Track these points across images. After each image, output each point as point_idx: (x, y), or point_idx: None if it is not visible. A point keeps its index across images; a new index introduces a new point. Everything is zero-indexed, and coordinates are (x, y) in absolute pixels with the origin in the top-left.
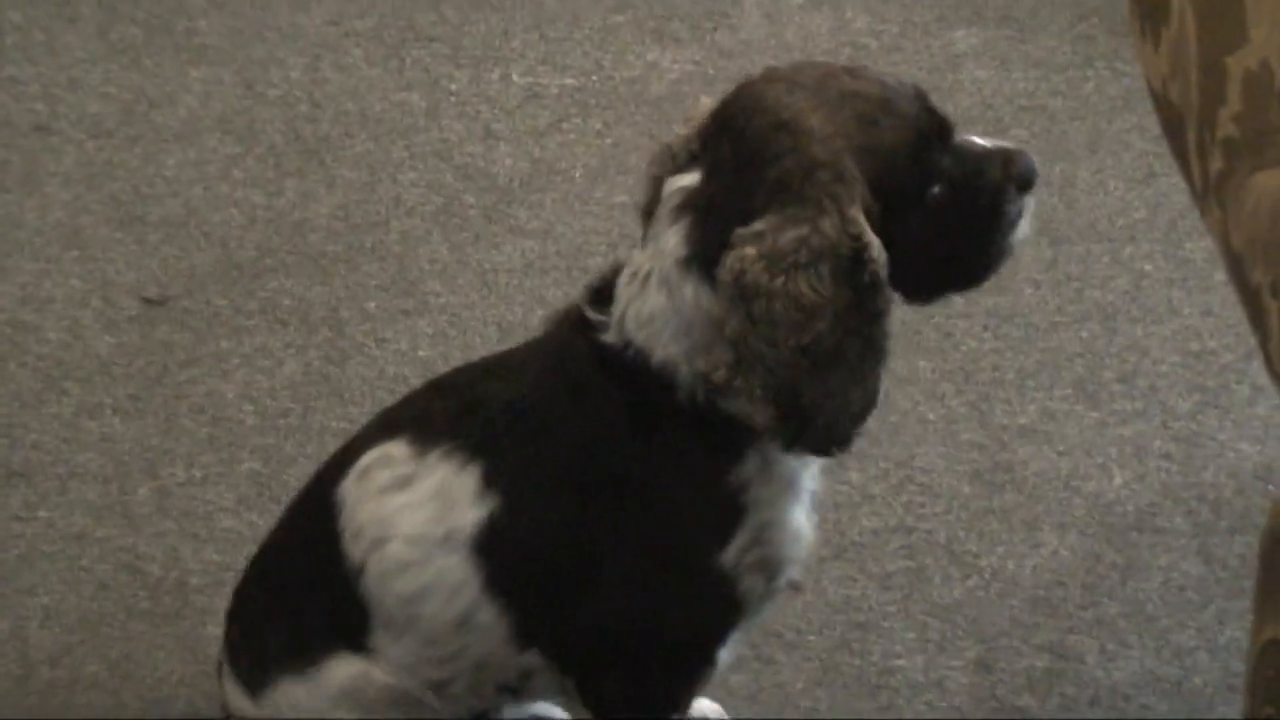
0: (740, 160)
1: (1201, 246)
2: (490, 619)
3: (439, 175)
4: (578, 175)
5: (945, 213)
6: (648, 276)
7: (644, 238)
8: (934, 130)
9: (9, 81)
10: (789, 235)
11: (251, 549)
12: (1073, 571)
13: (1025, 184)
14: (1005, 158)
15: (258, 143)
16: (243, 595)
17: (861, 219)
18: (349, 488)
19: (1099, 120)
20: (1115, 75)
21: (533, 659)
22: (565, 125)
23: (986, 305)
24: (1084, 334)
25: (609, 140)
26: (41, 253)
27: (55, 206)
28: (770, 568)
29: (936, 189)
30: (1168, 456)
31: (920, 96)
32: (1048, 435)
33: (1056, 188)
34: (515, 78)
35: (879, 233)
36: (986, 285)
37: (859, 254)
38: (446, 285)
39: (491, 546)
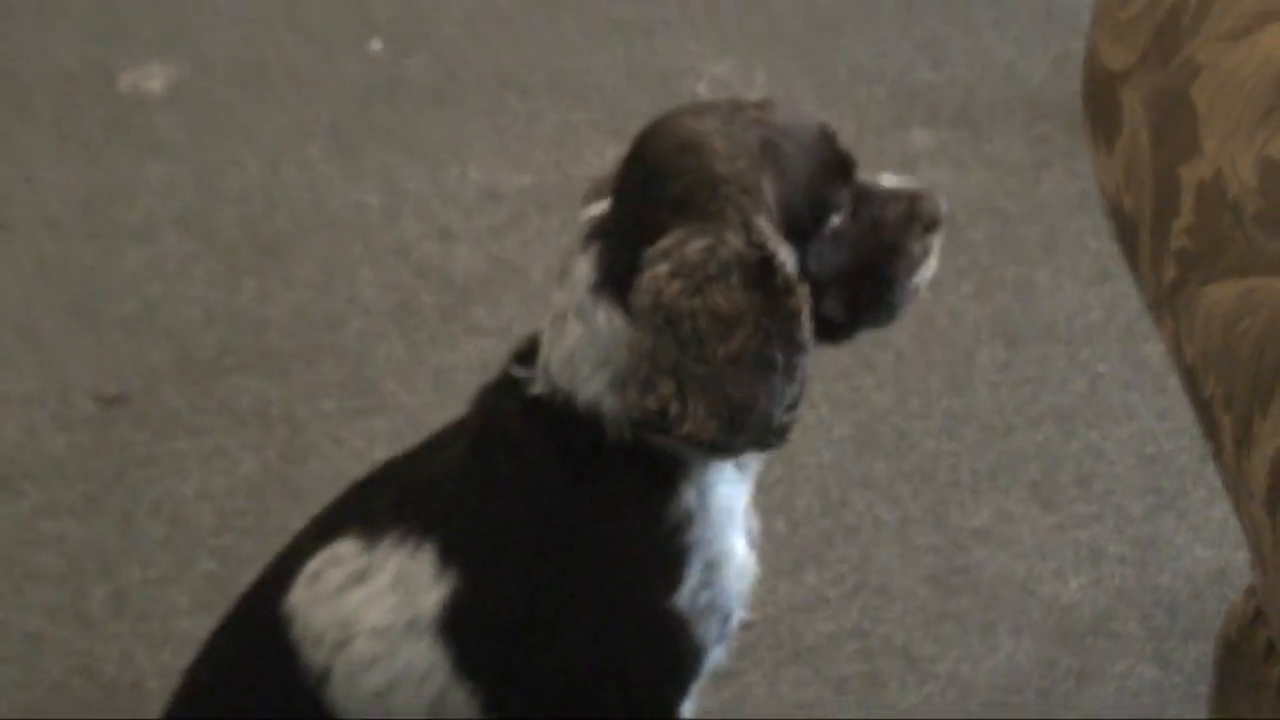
0: (646, 182)
1: (1158, 349)
2: (461, 700)
3: (396, 274)
4: (535, 274)
5: (844, 247)
6: (564, 313)
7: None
8: (835, 163)
9: None
10: (695, 248)
11: None
12: (1028, 676)
13: (931, 224)
14: (911, 197)
15: (216, 241)
16: None
17: (767, 227)
18: (299, 596)
19: (1055, 221)
20: (1071, 176)
21: None
22: (523, 224)
23: (943, 406)
24: (1040, 436)
25: (567, 239)
26: None
27: (11, 303)
28: (722, 609)
29: (835, 220)
30: (1123, 560)
31: (825, 131)
32: (1004, 538)
33: (1012, 289)
34: (473, 176)
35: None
36: (943, 387)
37: (767, 261)
38: (404, 384)
39: (456, 624)
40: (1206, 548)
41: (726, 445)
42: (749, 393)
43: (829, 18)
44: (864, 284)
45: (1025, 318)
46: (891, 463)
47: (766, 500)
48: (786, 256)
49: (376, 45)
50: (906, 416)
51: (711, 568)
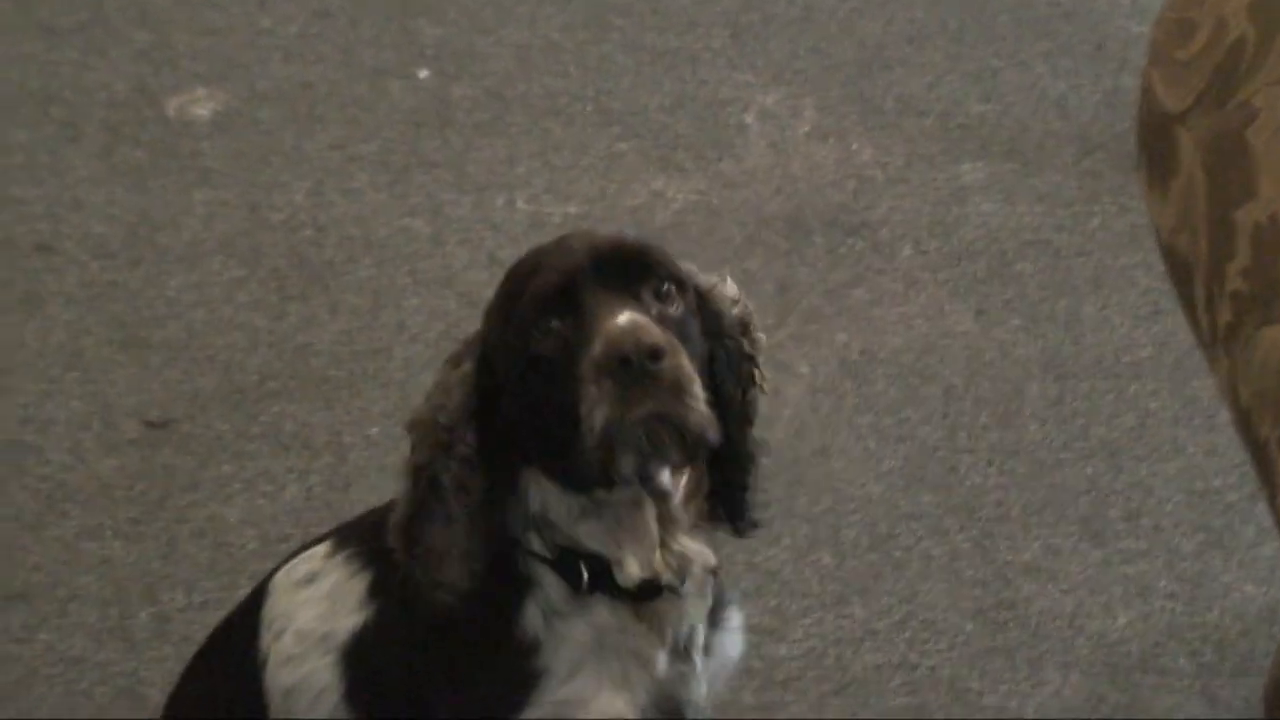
0: None
1: (1207, 384)
2: None
3: (442, 301)
4: None
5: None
6: None
7: None
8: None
9: (12, 201)
10: None
11: None
12: (1076, 711)
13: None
14: (596, 333)
15: (261, 266)
16: (182, 680)
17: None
18: (278, 578)
19: (1104, 256)
20: (1121, 211)
21: None
22: None
23: (991, 440)
24: (1089, 471)
25: None
26: (43, 374)
27: (57, 327)
28: None
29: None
30: (1172, 596)
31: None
32: (1052, 573)
33: (1062, 323)
34: (520, 204)
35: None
36: (991, 421)
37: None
38: None
39: (356, 657)
40: (1256, 585)
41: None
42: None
43: (878, 49)
44: (542, 420)
45: (1074, 352)
46: (939, 496)
47: (812, 532)
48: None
49: (424, 74)
50: (955, 450)
51: (566, 707)
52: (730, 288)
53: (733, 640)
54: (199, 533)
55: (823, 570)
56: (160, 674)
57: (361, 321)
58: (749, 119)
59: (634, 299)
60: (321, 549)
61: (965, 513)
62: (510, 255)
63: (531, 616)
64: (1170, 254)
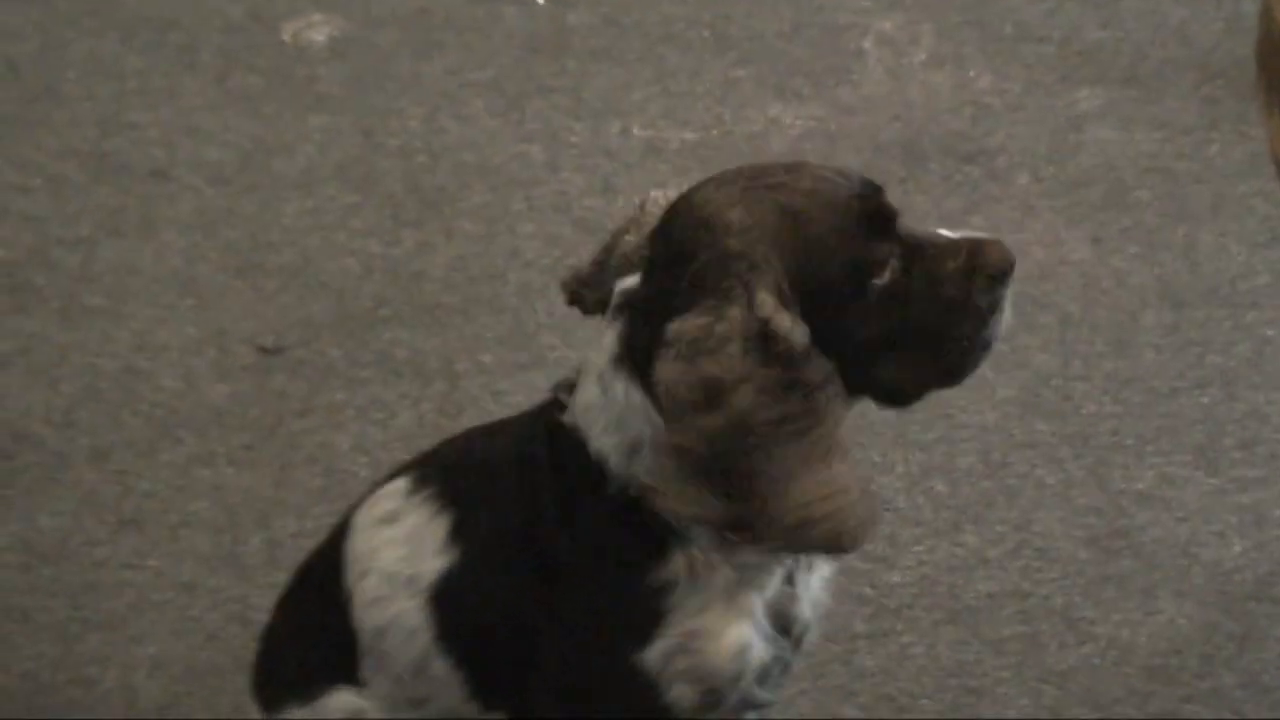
0: (669, 259)
1: None
2: (444, 672)
3: (557, 228)
4: None
5: (896, 306)
6: (590, 371)
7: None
8: (872, 221)
9: (128, 126)
10: (694, 325)
11: None
12: (1189, 640)
13: (997, 275)
14: (971, 248)
15: (375, 193)
16: (276, 611)
17: (770, 300)
18: (360, 514)
19: (1222, 183)
20: (1240, 138)
21: None
22: (685, 179)
23: (1106, 369)
24: (1204, 400)
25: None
26: (157, 299)
27: (172, 253)
28: (703, 680)
29: (880, 281)
30: None
31: (862, 188)
32: (1166, 501)
33: (1179, 250)
34: (635, 131)
35: (805, 316)
36: (1106, 349)
37: (768, 332)
38: (563, 339)
39: (445, 600)
40: None
41: (748, 536)
42: (757, 472)
43: None
44: (925, 344)
45: (1191, 280)
46: (1054, 425)
47: (926, 460)
48: (790, 326)
49: (541, 0)
50: (1069, 379)
51: (691, 638)
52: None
53: (826, 574)
54: (311, 459)
55: (936, 498)
56: (271, 600)
57: (476, 248)
58: (866, 45)
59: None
60: (402, 484)
61: (1080, 441)
62: (625, 183)
63: (675, 564)
64: None
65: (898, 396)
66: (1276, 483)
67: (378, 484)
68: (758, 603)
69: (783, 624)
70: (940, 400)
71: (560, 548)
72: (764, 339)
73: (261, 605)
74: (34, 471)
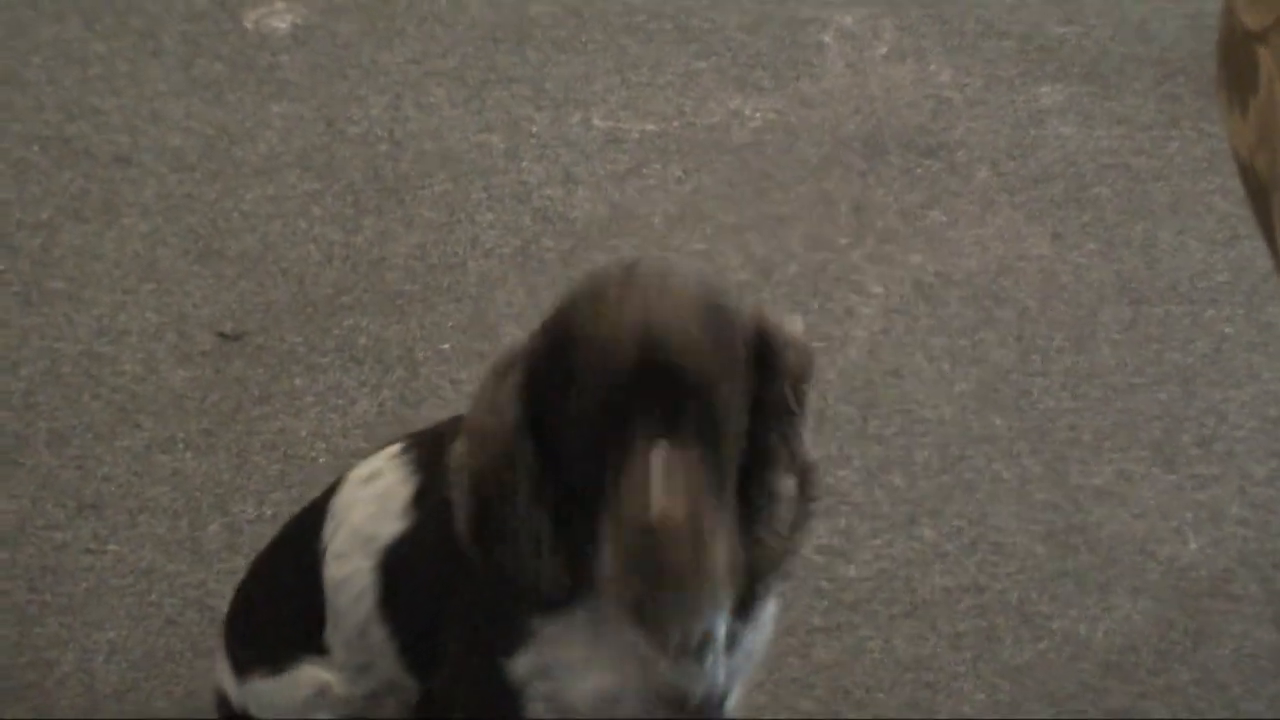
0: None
1: None
2: (381, 639)
3: (517, 217)
4: (656, 221)
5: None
6: None
7: None
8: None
9: (91, 112)
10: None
11: None
12: (1145, 636)
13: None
14: (633, 498)
15: (337, 180)
16: (253, 567)
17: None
18: (353, 470)
19: (1182, 180)
20: (1200, 135)
21: None
22: (645, 171)
23: (1065, 364)
24: (1162, 396)
25: (689, 187)
26: (118, 284)
27: (133, 238)
28: (562, 710)
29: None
30: (1244, 523)
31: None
32: (1123, 498)
33: (1138, 247)
34: (596, 121)
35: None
36: (1065, 345)
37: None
38: (523, 329)
39: (390, 565)
40: None
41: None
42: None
43: None
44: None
45: (1150, 277)
46: (1011, 419)
47: (883, 453)
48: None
49: None
50: (1028, 374)
51: (557, 666)
52: (793, 327)
53: (760, 636)
54: (270, 445)
55: (893, 492)
56: (230, 586)
57: (436, 236)
58: (827, 38)
59: (679, 427)
60: (395, 447)
61: (1037, 436)
62: (585, 173)
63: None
64: (1248, 174)
65: None
66: (1233, 480)
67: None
68: (630, 662)
69: (674, 698)
70: (898, 394)
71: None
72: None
73: (220, 591)
74: None
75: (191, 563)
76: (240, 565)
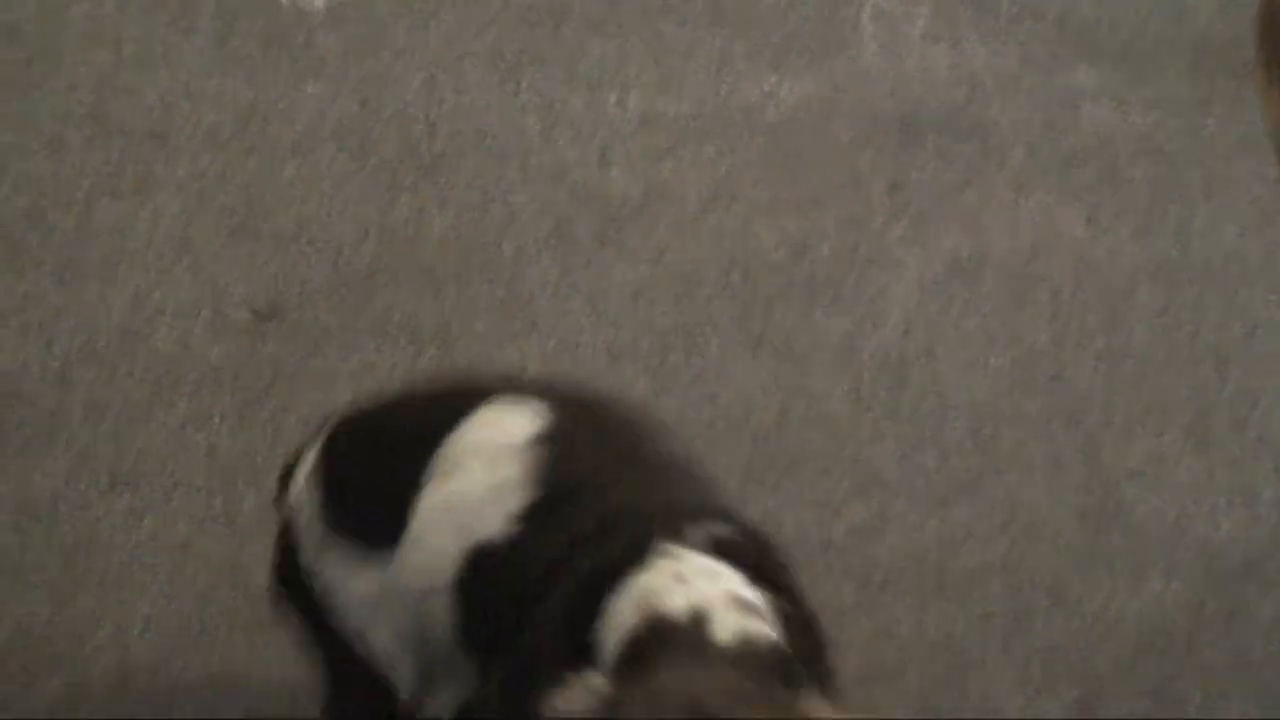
0: None
1: None
2: (442, 609)
3: (552, 197)
4: (691, 201)
5: None
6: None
7: None
8: None
9: (126, 90)
10: None
11: None
12: (1177, 617)
13: None
14: None
15: (372, 158)
16: (341, 438)
17: None
18: (484, 415)
19: (1216, 163)
20: (1234, 118)
21: None
22: (680, 151)
23: (1098, 346)
24: (1196, 379)
25: (723, 167)
26: (153, 262)
27: (168, 215)
28: None
29: None
30: (1277, 505)
31: None
32: (1156, 479)
33: (1172, 229)
34: (631, 102)
35: None
36: (1098, 326)
37: None
38: (556, 307)
39: (479, 560)
40: None
41: None
42: None
43: None
44: None
45: (1183, 259)
46: (1045, 400)
47: (916, 433)
48: None
49: None
50: (1061, 354)
51: None
52: None
53: None
54: (305, 421)
55: (925, 471)
56: (264, 562)
57: (471, 215)
58: (863, 19)
59: None
60: (534, 407)
61: (1070, 417)
62: (620, 152)
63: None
64: None
65: None
66: (1266, 462)
67: (519, 384)
68: None
69: None
70: (931, 374)
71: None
72: None
73: (252, 566)
74: (28, 430)
75: (226, 538)
76: (273, 542)
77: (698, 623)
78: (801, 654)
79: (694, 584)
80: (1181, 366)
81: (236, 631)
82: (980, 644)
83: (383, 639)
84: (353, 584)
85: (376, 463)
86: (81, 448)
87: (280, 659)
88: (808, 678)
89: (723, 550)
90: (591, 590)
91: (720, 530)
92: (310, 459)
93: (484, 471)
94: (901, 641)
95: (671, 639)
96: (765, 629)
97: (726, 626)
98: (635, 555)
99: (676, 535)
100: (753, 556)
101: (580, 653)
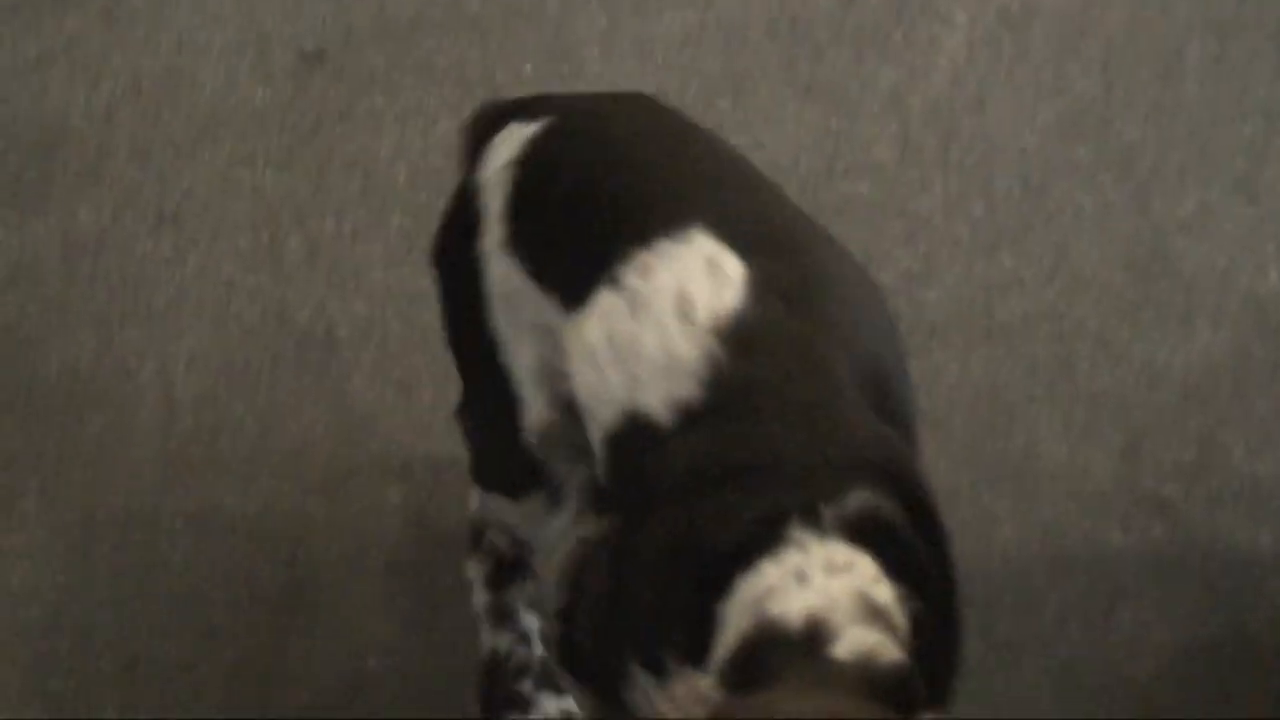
0: None
1: None
2: (596, 441)
3: None
4: None
5: None
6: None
7: None
8: None
9: None
10: None
11: (400, 304)
12: (1223, 366)
13: None
14: None
15: None
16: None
17: None
18: (697, 236)
19: None
20: None
21: None
22: None
23: (1150, 97)
24: (1247, 130)
25: None
26: (200, 3)
27: None
28: None
29: None
30: None
31: None
32: (1204, 229)
33: None
34: None
35: None
36: (1150, 77)
37: None
38: (603, 52)
39: (634, 426)
40: None
41: None
42: None
43: None
44: None
45: (1237, 11)
46: (1095, 151)
47: (965, 182)
48: None
49: None
50: (1112, 105)
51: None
52: None
53: None
54: (350, 163)
55: (974, 219)
56: (308, 300)
57: None
58: None
59: None
60: (740, 271)
61: (1120, 167)
62: None
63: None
64: None
65: None
66: None
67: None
68: None
69: None
70: (980, 123)
71: (706, 529)
72: None
73: (297, 303)
74: (74, 167)
75: (271, 275)
76: (318, 279)
77: (813, 635)
78: (925, 665)
79: (817, 583)
80: (1233, 118)
81: (281, 368)
82: (1026, 390)
83: (525, 361)
84: (520, 307)
85: (575, 205)
86: (128, 185)
87: (324, 399)
88: (926, 699)
89: (867, 530)
90: (710, 579)
91: (870, 502)
92: (514, 148)
93: (668, 335)
94: (947, 386)
95: (784, 652)
96: (888, 644)
97: (844, 642)
98: (763, 541)
99: (814, 518)
100: (901, 540)
101: (692, 639)
